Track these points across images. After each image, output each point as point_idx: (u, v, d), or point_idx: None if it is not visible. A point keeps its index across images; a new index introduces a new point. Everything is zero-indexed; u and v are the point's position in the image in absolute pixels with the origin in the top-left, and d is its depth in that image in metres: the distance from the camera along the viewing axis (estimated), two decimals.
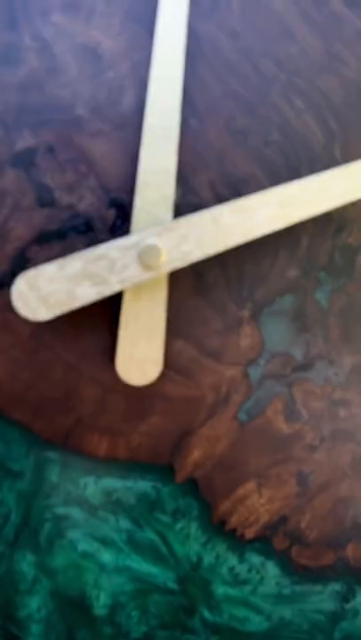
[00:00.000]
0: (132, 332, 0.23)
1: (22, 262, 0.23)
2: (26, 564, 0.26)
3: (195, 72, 0.23)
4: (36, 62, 0.22)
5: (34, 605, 0.26)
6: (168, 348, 0.25)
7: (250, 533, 0.27)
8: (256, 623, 0.27)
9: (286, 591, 0.28)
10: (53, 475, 0.25)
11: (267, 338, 0.25)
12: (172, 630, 0.27)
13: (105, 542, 0.26)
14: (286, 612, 0.27)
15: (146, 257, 0.20)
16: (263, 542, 0.27)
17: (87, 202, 0.23)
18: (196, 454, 0.26)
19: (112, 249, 0.20)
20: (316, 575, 0.27)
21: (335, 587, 0.28)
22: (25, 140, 0.23)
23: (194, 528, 0.26)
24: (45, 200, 0.23)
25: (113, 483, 0.25)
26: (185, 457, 0.25)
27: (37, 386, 0.24)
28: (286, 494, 0.26)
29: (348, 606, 0.28)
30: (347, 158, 0.24)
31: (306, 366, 0.26)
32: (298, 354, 0.26)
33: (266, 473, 0.26)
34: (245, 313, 0.25)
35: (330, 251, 0.25)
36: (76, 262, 0.20)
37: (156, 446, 0.25)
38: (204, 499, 0.26)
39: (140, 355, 0.23)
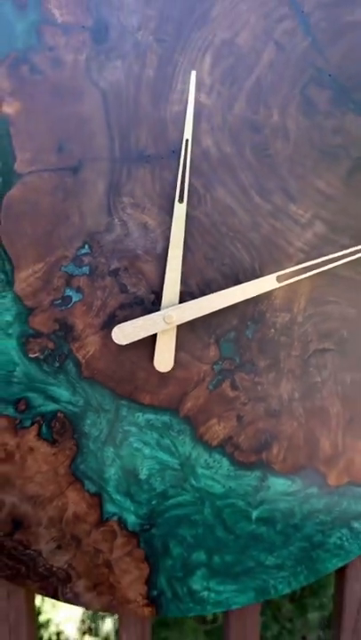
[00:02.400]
0: (161, 348, 0.50)
1: (112, 318, 0.51)
2: (109, 452, 0.51)
3: (189, 232, 0.50)
4: (120, 231, 0.50)
5: (112, 472, 0.53)
6: (176, 355, 0.47)
7: (214, 443, 0.48)
8: (217, 488, 0.48)
9: (232, 474, 0.48)
10: (124, 411, 0.52)
11: (222, 351, 0.52)
12: (176, 488, 0.50)
13: (145, 443, 0.49)
14: (232, 484, 0.49)
15: (167, 319, 0.48)
16: (221, 448, 0.48)
17: (141, 291, 0.50)
18: (189, 404, 0.49)
19: (153, 316, 0.48)
20: (247, 466, 0.48)
21: (257, 473, 0.48)
22: (114, 264, 0.50)
23: (188, 439, 0.48)
24: (123, 290, 0.51)
25: (150, 416, 0.49)
26: (184, 405, 0.49)
27: (118, 371, 0.52)
28: (232, 425, 0.49)
29: (264, 484, 0.49)
30: (262, 269, 0.51)
31: (241, 365, 0.51)
32: (237, 359, 0.52)
33: (222, 415, 0.50)
34: (212, 340, 0.52)
35: (252, 312, 0.52)
36: (139, 321, 0.48)
37: (171, 399, 0.49)
38: (192, 425, 0.50)
39: (164, 357, 0.50)
